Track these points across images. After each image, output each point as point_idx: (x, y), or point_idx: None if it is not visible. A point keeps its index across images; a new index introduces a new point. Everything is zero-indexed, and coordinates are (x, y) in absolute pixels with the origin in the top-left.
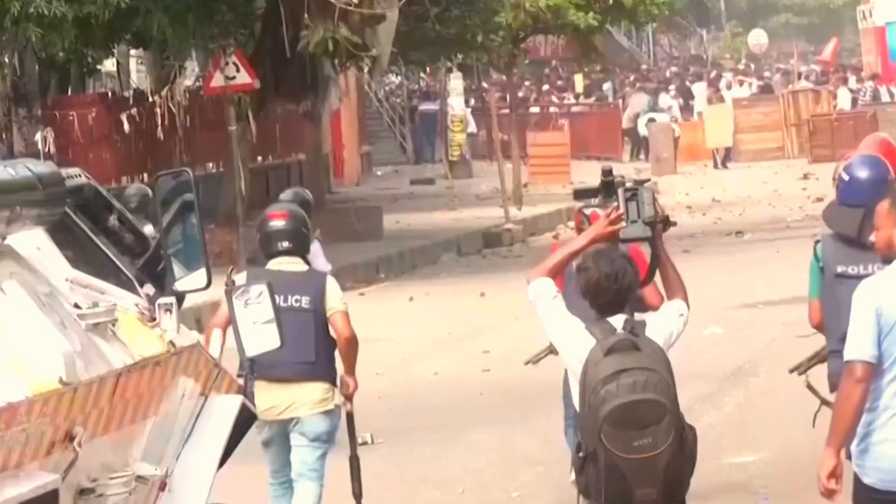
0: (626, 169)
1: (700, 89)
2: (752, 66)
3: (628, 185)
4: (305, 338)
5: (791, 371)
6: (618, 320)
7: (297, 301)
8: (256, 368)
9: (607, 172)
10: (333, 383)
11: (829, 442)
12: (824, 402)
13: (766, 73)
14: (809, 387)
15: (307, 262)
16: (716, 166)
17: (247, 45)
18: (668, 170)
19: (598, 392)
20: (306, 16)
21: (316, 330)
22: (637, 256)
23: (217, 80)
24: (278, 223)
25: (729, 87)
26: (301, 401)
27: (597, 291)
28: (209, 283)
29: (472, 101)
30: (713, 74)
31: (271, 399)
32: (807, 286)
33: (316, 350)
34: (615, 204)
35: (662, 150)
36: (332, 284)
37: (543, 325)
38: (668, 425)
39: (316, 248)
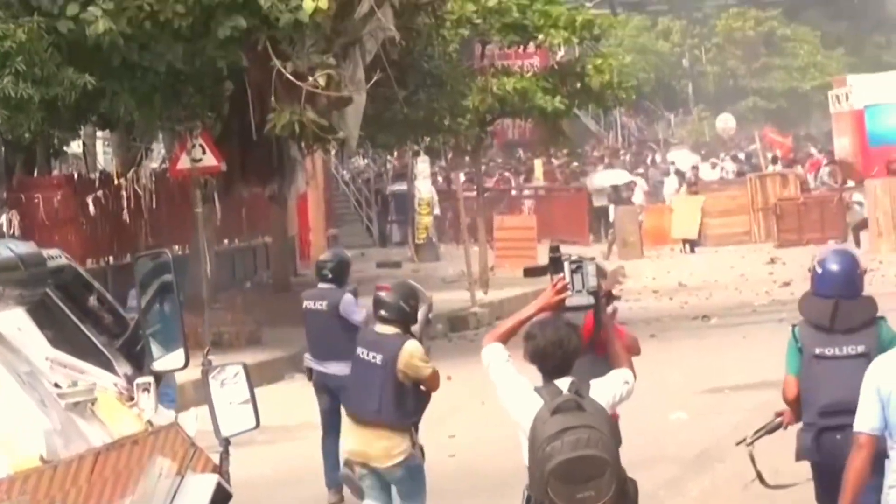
0: (594, 253)
1: (685, 159)
2: (701, 151)
3: (573, 258)
4: (371, 388)
5: (738, 444)
6: (563, 382)
7: (373, 357)
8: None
9: (555, 249)
10: (405, 432)
11: (840, 501)
12: (759, 475)
13: (741, 156)
14: (751, 457)
15: (407, 330)
16: (683, 251)
17: (214, 127)
18: (635, 254)
19: (545, 448)
20: (273, 98)
21: (382, 383)
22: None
23: (183, 163)
24: (381, 294)
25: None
26: (374, 454)
27: (543, 357)
28: (187, 363)
29: (440, 182)
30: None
31: (354, 443)
32: (773, 370)
33: (379, 400)
34: (561, 275)
35: (629, 235)
36: (409, 351)
37: (496, 387)
38: (609, 479)
39: (349, 299)
